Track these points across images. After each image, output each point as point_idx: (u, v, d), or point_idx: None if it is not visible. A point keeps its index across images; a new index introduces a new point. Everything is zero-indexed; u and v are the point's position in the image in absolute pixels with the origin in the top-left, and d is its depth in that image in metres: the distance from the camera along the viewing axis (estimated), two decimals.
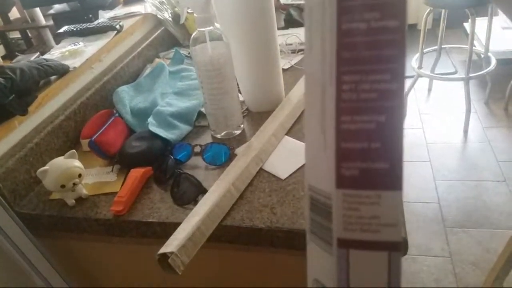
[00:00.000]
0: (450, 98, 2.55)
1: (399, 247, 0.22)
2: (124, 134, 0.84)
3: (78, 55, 0.96)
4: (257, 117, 0.88)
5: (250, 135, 0.82)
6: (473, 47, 2.19)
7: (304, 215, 0.26)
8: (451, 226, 1.71)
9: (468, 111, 2.26)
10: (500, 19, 2.69)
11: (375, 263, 0.22)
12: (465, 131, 2.24)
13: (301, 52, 1.14)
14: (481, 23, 2.41)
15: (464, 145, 2.16)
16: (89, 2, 1.37)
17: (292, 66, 1.07)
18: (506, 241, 1.12)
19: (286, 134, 0.81)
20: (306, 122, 0.24)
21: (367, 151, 0.21)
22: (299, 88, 0.92)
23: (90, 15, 1.31)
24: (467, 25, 2.76)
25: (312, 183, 0.24)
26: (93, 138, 0.75)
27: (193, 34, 0.75)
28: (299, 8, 1.39)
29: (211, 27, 0.73)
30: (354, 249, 0.23)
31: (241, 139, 0.82)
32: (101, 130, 0.78)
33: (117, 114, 0.87)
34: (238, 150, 0.78)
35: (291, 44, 1.15)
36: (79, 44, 1.01)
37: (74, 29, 1.08)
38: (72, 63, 0.92)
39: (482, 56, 2.41)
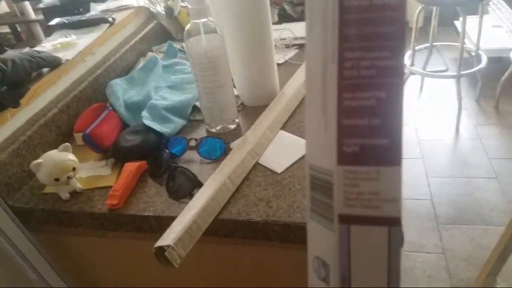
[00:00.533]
0: (441, 96, 2.57)
1: (398, 222, 0.23)
2: (118, 127, 0.83)
3: (71, 48, 0.94)
4: (252, 111, 0.88)
5: (245, 130, 0.81)
6: (464, 45, 2.21)
7: (305, 194, 0.26)
8: (443, 222, 1.72)
9: (460, 109, 2.28)
10: (491, 17, 2.72)
11: (375, 238, 0.23)
12: (457, 129, 2.26)
13: (295, 47, 1.13)
14: (472, 21, 2.43)
15: (455, 142, 2.18)
16: None
17: (286, 61, 1.07)
18: (498, 237, 1.13)
19: (281, 128, 0.80)
20: (307, 103, 0.24)
21: (367, 128, 0.22)
22: (294, 82, 0.91)
23: (81, 9, 1.30)
24: (458, 23, 2.78)
25: (312, 161, 0.25)
26: (87, 132, 0.74)
27: (187, 26, 0.74)
28: (293, 3, 1.39)
29: (206, 19, 0.73)
30: (355, 224, 0.23)
31: (236, 133, 0.82)
32: (94, 124, 0.77)
33: (110, 108, 0.86)
34: (234, 144, 0.77)
35: (285, 39, 1.15)
36: (71, 37, 1.00)
37: (66, 22, 1.07)
38: (64, 55, 0.91)
39: (473, 54, 2.43)
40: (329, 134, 0.23)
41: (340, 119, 0.22)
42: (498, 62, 2.55)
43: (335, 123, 0.22)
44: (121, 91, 0.91)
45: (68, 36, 1.02)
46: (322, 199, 0.24)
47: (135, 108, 0.87)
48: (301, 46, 1.13)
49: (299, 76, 0.93)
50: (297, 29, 1.18)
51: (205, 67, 0.75)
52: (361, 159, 0.22)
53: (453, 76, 2.32)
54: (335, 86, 0.22)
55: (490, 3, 2.73)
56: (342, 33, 0.21)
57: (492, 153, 2.05)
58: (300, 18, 1.29)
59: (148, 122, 0.78)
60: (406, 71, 2.41)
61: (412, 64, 2.41)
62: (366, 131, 0.22)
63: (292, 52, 1.11)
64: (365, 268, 0.24)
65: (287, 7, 1.33)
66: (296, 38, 1.15)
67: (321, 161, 0.24)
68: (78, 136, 0.82)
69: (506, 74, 2.32)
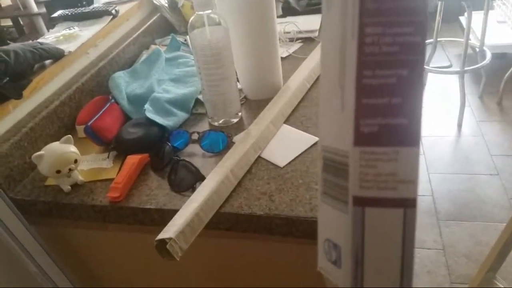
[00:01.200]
0: (444, 92, 2.56)
1: (414, 203, 0.22)
2: (120, 120, 0.83)
3: (73, 40, 0.94)
4: (255, 105, 0.87)
5: (248, 123, 0.81)
6: (469, 41, 2.20)
7: (317, 176, 0.25)
8: (444, 218, 1.72)
9: (463, 105, 2.27)
10: (496, 13, 2.70)
11: (390, 220, 0.23)
12: (459, 125, 2.25)
13: (299, 41, 1.13)
14: (477, 16, 2.41)
15: (458, 138, 2.17)
16: None
17: (290, 55, 1.06)
18: (498, 233, 1.13)
19: (285, 122, 0.80)
20: (322, 82, 0.23)
21: (387, 107, 0.21)
22: (298, 76, 0.91)
23: (84, 2, 1.29)
24: (462, 19, 2.76)
25: (326, 143, 0.24)
26: (89, 124, 0.74)
27: (191, 18, 0.73)
28: None
29: (210, 11, 0.72)
30: (369, 206, 0.23)
31: (239, 127, 0.81)
32: (97, 116, 0.77)
33: (113, 100, 0.86)
34: (236, 138, 0.77)
35: (289, 33, 1.14)
36: (74, 29, 0.99)
37: (69, 14, 1.06)
38: (67, 47, 0.91)
39: (477, 50, 2.42)
40: (346, 114, 0.22)
41: (358, 98, 0.21)
42: (502, 58, 2.53)
43: (353, 103, 0.22)
44: (124, 84, 0.90)
45: (71, 28, 1.01)
46: (335, 181, 0.24)
47: (138, 101, 0.87)
48: (305, 40, 1.12)
49: (303, 70, 0.93)
50: (301, 23, 1.17)
51: (209, 59, 0.74)
52: (379, 140, 0.22)
53: (456, 72, 2.31)
54: (355, 63, 0.21)
55: None
56: (363, 7, 0.20)
57: (494, 149, 2.04)
58: (304, 11, 1.28)
59: (150, 115, 0.78)
60: None
61: None
62: (385, 111, 0.21)
63: (296, 46, 1.10)
64: (379, 250, 0.23)
65: (291, 1, 1.32)
66: (300, 32, 1.14)
67: (336, 143, 0.23)
68: (80, 129, 0.82)
69: (510, 70, 2.31)
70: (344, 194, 0.23)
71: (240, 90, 0.90)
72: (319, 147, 0.25)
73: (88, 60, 0.96)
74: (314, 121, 0.79)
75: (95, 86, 0.94)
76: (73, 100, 0.88)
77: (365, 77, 0.21)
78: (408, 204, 0.22)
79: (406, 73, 0.21)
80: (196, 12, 0.73)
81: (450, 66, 2.73)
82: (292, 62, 1.01)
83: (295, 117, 0.81)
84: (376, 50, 0.21)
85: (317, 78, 0.93)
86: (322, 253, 0.27)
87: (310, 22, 1.19)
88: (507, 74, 2.32)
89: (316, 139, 0.74)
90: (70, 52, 0.90)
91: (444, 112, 2.38)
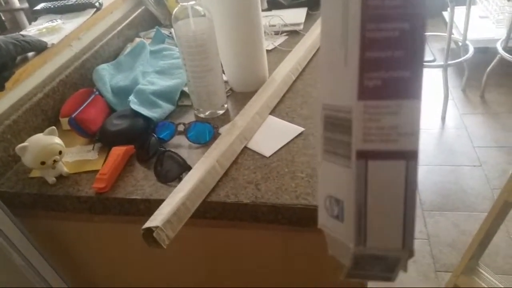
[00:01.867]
0: (428, 85, 2.59)
1: (415, 156, 0.23)
2: (105, 112, 0.82)
3: (56, 32, 0.93)
4: (240, 97, 0.88)
5: (234, 115, 0.81)
6: (452, 35, 2.23)
7: (319, 135, 0.26)
8: (428, 209, 1.75)
9: (446, 98, 2.31)
10: (478, 8, 2.74)
11: (392, 172, 0.23)
12: (443, 118, 2.29)
13: (285, 34, 1.13)
14: (459, 12, 2.45)
15: (441, 131, 2.21)
16: None
17: (275, 48, 1.06)
18: (481, 223, 1.16)
19: (270, 113, 0.81)
20: (323, 39, 0.24)
21: (390, 60, 0.21)
22: (283, 68, 0.91)
23: None
24: (446, 14, 2.80)
25: (328, 101, 0.25)
26: (73, 116, 0.73)
27: (175, 10, 0.73)
28: None
29: (194, 2, 0.72)
30: (372, 160, 0.23)
31: (225, 118, 0.82)
32: (81, 108, 0.76)
33: (97, 93, 0.85)
34: (223, 129, 0.77)
35: (274, 26, 1.15)
36: (57, 21, 0.98)
37: (51, 6, 1.05)
38: (50, 40, 0.90)
39: (460, 44, 2.46)
40: (349, 69, 0.22)
41: (362, 52, 0.22)
42: (484, 52, 2.57)
43: (357, 57, 0.22)
44: (108, 76, 0.90)
45: (54, 20, 1.00)
46: (338, 138, 0.24)
47: (122, 93, 0.86)
48: (290, 33, 1.13)
49: (288, 62, 0.93)
50: (287, 16, 1.18)
51: (194, 51, 0.74)
52: (382, 93, 0.22)
53: (440, 66, 2.34)
54: (359, 17, 0.21)
55: None
56: None
57: (477, 141, 2.09)
58: (289, 5, 1.29)
59: (135, 106, 0.78)
60: None
61: None
62: (389, 64, 0.22)
63: (281, 39, 1.11)
64: (381, 202, 0.24)
65: None
66: (285, 25, 1.14)
67: (338, 99, 0.24)
68: (64, 121, 0.81)
69: (492, 64, 2.35)
70: (347, 150, 0.24)
71: (226, 82, 0.91)
72: (319, 106, 0.25)
73: (72, 52, 0.95)
74: (299, 112, 0.79)
75: (78, 79, 0.94)
76: (57, 92, 0.87)
77: (369, 31, 0.21)
78: (410, 156, 0.23)
79: (408, 27, 0.21)
80: (180, 4, 0.73)
81: (434, 61, 2.77)
82: (277, 55, 1.02)
83: (280, 108, 0.82)
84: (380, 3, 0.21)
85: (302, 70, 0.94)
86: (323, 210, 0.27)
87: (295, 16, 1.19)
88: (489, 68, 2.37)
89: (301, 129, 0.74)
90: (53, 44, 0.89)
91: (428, 105, 2.41)
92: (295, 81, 0.90)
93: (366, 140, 0.23)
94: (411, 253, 0.25)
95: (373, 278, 0.27)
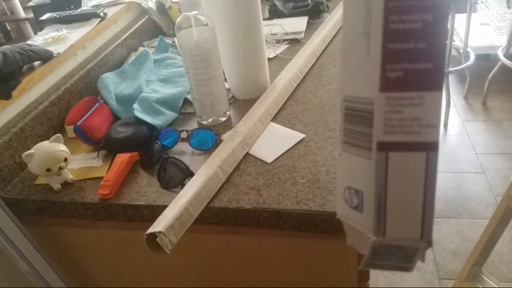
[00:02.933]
0: None
1: (436, 147, 0.23)
2: (109, 120, 0.84)
3: (62, 42, 0.95)
4: (242, 104, 0.89)
5: (236, 122, 0.82)
6: (453, 42, 2.24)
7: (339, 127, 0.26)
8: None
9: (448, 105, 2.31)
10: (479, 15, 2.76)
11: (413, 164, 0.23)
12: (445, 124, 2.30)
13: (286, 42, 1.15)
14: (460, 19, 2.47)
15: (444, 138, 2.21)
16: None
17: (277, 56, 1.08)
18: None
19: (272, 120, 0.82)
20: (345, 30, 0.24)
21: (413, 51, 0.21)
22: (285, 76, 0.93)
23: (72, 6, 1.30)
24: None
25: (349, 93, 0.25)
26: (78, 123, 0.75)
27: (178, 19, 0.75)
28: None
29: (196, 11, 0.74)
30: (393, 151, 0.23)
31: (227, 125, 0.83)
32: (86, 116, 0.78)
33: (101, 101, 0.87)
34: (225, 136, 0.78)
35: (275, 34, 1.16)
36: (62, 31, 1.00)
37: (57, 16, 1.07)
38: (55, 49, 0.91)
39: (461, 51, 2.47)
40: (371, 60, 0.22)
41: (385, 43, 0.22)
42: (486, 59, 2.58)
43: (379, 48, 0.22)
44: (112, 84, 0.91)
45: (59, 30, 1.02)
46: (358, 129, 0.24)
47: (127, 101, 0.88)
48: (291, 41, 1.15)
49: (290, 70, 0.95)
50: (288, 25, 1.19)
51: (196, 59, 0.76)
52: (405, 85, 0.22)
53: None
54: (381, 9, 0.21)
55: (478, 1, 2.77)
56: None
57: (480, 148, 2.09)
58: (290, 14, 1.30)
59: (139, 114, 0.79)
60: None
61: None
62: (412, 55, 0.21)
63: (282, 47, 1.12)
64: (401, 193, 0.24)
65: (277, 3, 1.34)
66: (286, 34, 1.16)
67: (359, 91, 0.24)
68: (69, 129, 0.82)
69: (493, 71, 2.36)
70: (368, 141, 0.24)
71: (228, 89, 0.92)
72: (340, 96, 0.25)
73: (77, 61, 0.97)
74: (300, 119, 0.80)
75: (83, 87, 0.95)
76: (62, 101, 0.89)
77: (392, 22, 0.21)
78: (431, 148, 0.23)
79: (431, 18, 0.21)
80: (183, 13, 0.75)
81: None
82: (279, 63, 1.03)
83: (281, 115, 0.83)
84: None
85: (303, 78, 0.95)
86: (342, 201, 0.27)
87: (296, 24, 1.21)
88: (490, 75, 2.38)
89: (302, 135, 0.75)
90: (58, 53, 0.90)
91: None
92: (296, 88, 0.92)
93: (388, 132, 0.23)
94: (429, 244, 0.25)
95: (390, 268, 0.27)
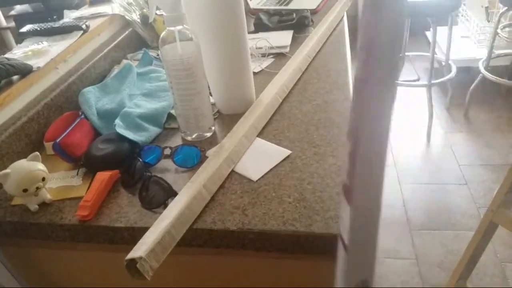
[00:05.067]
0: (413, 104, 2.64)
1: None
2: (90, 136, 0.81)
3: (42, 55, 0.92)
4: (228, 119, 0.88)
5: (221, 137, 0.81)
6: (435, 55, 2.28)
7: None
8: (416, 228, 1.76)
9: (431, 117, 2.35)
10: (460, 28, 2.82)
11: None
12: (428, 136, 2.33)
13: (271, 56, 1.14)
14: (442, 31, 2.51)
15: (427, 149, 2.24)
16: (53, 3, 1.32)
17: (262, 70, 1.07)
18: (468, 242, 1.17)
19: (258, 135, 0.81)
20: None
21: None
22: (270, 90, 0.92)
23: (55, 16, 1.27)
24: (429, 34, 2.87)
25: None
26: (57, 140, 0.72)
27: (163, 34, 0.73)
28: (269, 13, 1.40)
29: (181, 26, 0.73)
30: None
31: (213, 141, 0.81)
32: (65, 133, 0.75)
33: (82, 116, 0.84)
34: (210, 152, 0.77)
35: (261, 48, 1.16)
36: (43, 44, 0.97)
37: (38, 29, 1.04)
38: (35, 63, 0.89)
39: (443, 64, 2.51)
40: None
41: None
42: (467, 71, 2.64)
43: None
44: (94, 99, 0.89)
45: (40, 43, 0.99)
46: None
47: (108, 116, 0.86)
48: (277, 55, 1.14)
49: (275, 84, 0.94)
50: (273, 38, 1.19)
51: (181, 74, 0.74)
52: None
53: (424, 85, 2.39)
54: None
55: (459, 14, 2.83)
56: None
57: (462, 160, 2.11)
58: (275, 27, 1.30)
59: (121, 130, 0.77)
60: None
61: None
62: None
63: (268, 61, 1.11)
64: None
65: (263, 17, 1.34)
66: (272, 48, 1.16)
67: None
68: (48, 145, 0.80)
69: (475, 83, 2.41)
70: None
71: (213, 104, 0.91)
72: None
73: (58, 75, 0.94)
74: (286, 135, 0.80)
75: (64, 102, 0.93)
76: (42, 116, 0.86)
77: None
78: None
79: None
80: (167, 28, 0.73)
81: (418, 80, 2.82)
82: (264, 77, 1.03)
83: (267, 130, 0.82)
84: None
85: (289, 92, 0.95)
86: None
87: (281, 38, 1.21)
88: (472, 87, 2.42)
89: (288, 152, 0.74)
90: (38, 67, 0.88)
91: (414, 124, 2.45)
92: (282, 103, 0.91)
93: None
94: None
95: None
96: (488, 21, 2.66)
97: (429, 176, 2.03)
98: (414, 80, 2.81)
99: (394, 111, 0.26)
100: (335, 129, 0.80)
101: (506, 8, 2.15)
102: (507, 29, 2.48)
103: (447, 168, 2.07)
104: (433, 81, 2.31)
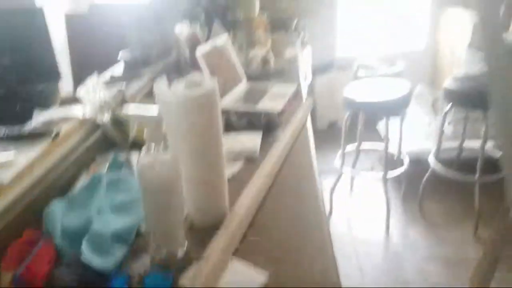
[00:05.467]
0: (370, 194, 2.73)
1: None
2: (53, 260, 0.75)
3: (7, 168, 0.87)
4: (202, 233, 0.85)
5: (194, 254, 0.77)
6: (388, 149, 2.41)
7: None
8: None
9: (388, 210, 2.42)
10: (409, 120, 3.01)
11: None
12: (387, 227, 2.39)
13: (241, 160, 1.15)
14: (394, 122, 2.62)
15: (386, 238, 2.30)
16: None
17: (233, 176, 1.07)
18: None
19: (234, 253, 0.78)
20: None
21: None
22: (245, 202, 0.91)
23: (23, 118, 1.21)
24: (380, 127, 3.07)
25: None
26: (18, 272, 0.66)
27: (142, 151, 0.73)
28: (237, 113, 1.44)
29: (161, 143, 0.74)
30: None
31: (186, 259, 0.77)
32: (27, 261, 0.69)
33: (45, 236, 0.79)
34: (184, 283, 0.72)
35: (232, 152, 1.17)
36: (10, 152, 0.92)
37: (3, 136, 1.00)
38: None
39: (396, 157, 2.64)
40: None
41: None
42: (418, 164, 2.75)
43: None
44: (59, 215, 0.84)
45: (6, 150, 0.94)
46: None
47: (74, 235, 0.81)
48: (246, 160, 1.15)
49: (248, 194, 0.94)
50: (242, 138, 1.22)
51: (156, 191, 0.73)
52: None
53: (379, 179, 2.49)
54: None
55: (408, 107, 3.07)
56: None
57: (419, 252, 2.17)
58: (244, 128, 1.34)
59: (87, 257, 0.73)
60: (338, 171, 2.55)
61: (342, 164, 2.56)
62: None
63: (238, 165, 1.12)
64: None
65: (232, 118, 1.39)
66: (242, 151, 1.17)
67: None
68: (6, 276, 0.72)
69: (426, 175, 2.54)
70: None
71: (186, 217, 0.89)
72: None
73: (21, 190, 0.89)
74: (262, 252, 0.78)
75: (27, 219, 0.86)
76: None
77: None
78: None
79: None
80: (147, 142, 0.73)
81: (373, 170, 2.95)
82: (236, 184, 1.01)
83: (243, 248, 0.80)
84: None
85: (261, 203, 0.95)
86: None
87: (250, 139, 1.23)
88: (424, 179, 2.55)
89: (264, 278, 0.72)
90: (2, 184, 0.83)
91: (372, 213, 2.52)
92: (256, 214, 0.91)
93: None
94: None
95: None
96: (435, 116, 2.89)
97: (392, 275, 2.05)
98: (370, 170, 2.92)
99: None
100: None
101: (450, 103, 2.33)
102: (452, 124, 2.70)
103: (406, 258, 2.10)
104: (387, 177, 2.40)
